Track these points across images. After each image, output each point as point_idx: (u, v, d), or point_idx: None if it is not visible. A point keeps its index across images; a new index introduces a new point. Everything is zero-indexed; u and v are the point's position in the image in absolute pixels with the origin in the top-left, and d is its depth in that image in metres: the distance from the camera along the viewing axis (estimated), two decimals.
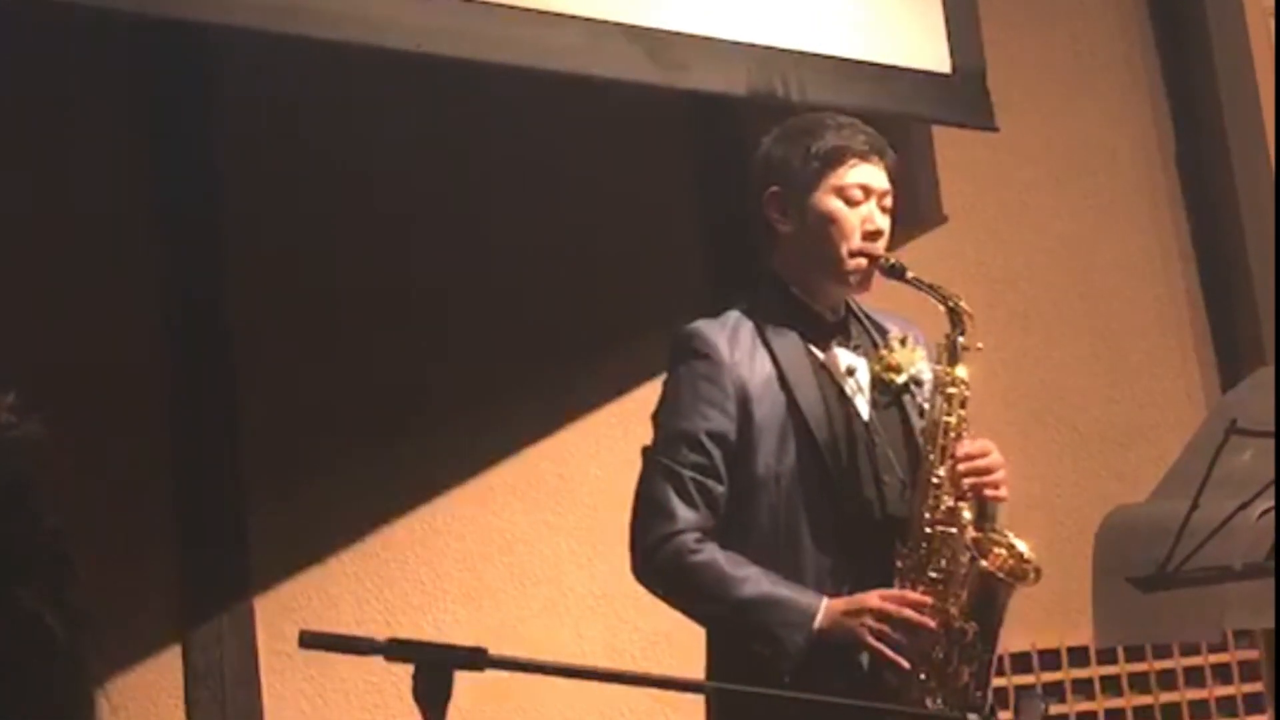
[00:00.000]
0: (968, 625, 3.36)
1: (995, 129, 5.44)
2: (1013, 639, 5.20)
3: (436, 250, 4.95)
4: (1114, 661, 5.47)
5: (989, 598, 3.39)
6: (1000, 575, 3.37)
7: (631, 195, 5.20)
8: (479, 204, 5.01)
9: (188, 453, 4.63)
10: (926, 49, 5.29)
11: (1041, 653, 5.39)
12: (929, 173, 5.58)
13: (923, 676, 3.34)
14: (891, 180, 3.58)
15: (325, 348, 4.81)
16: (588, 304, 5.10)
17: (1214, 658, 5.59)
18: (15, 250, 4.43)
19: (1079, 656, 5.44)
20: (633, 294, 5.12)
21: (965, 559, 3.38)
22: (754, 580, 3.34)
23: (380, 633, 2.52)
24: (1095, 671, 5.46)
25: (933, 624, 3.33)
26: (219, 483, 4.66)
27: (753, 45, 4.85)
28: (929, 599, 3.35)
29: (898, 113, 5.20)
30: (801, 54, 4.96)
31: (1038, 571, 3.39)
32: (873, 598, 3.33)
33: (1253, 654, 5.54)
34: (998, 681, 5.14)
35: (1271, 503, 3.32)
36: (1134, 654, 5.49)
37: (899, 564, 3.40)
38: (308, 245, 4.81)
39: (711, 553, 3.38)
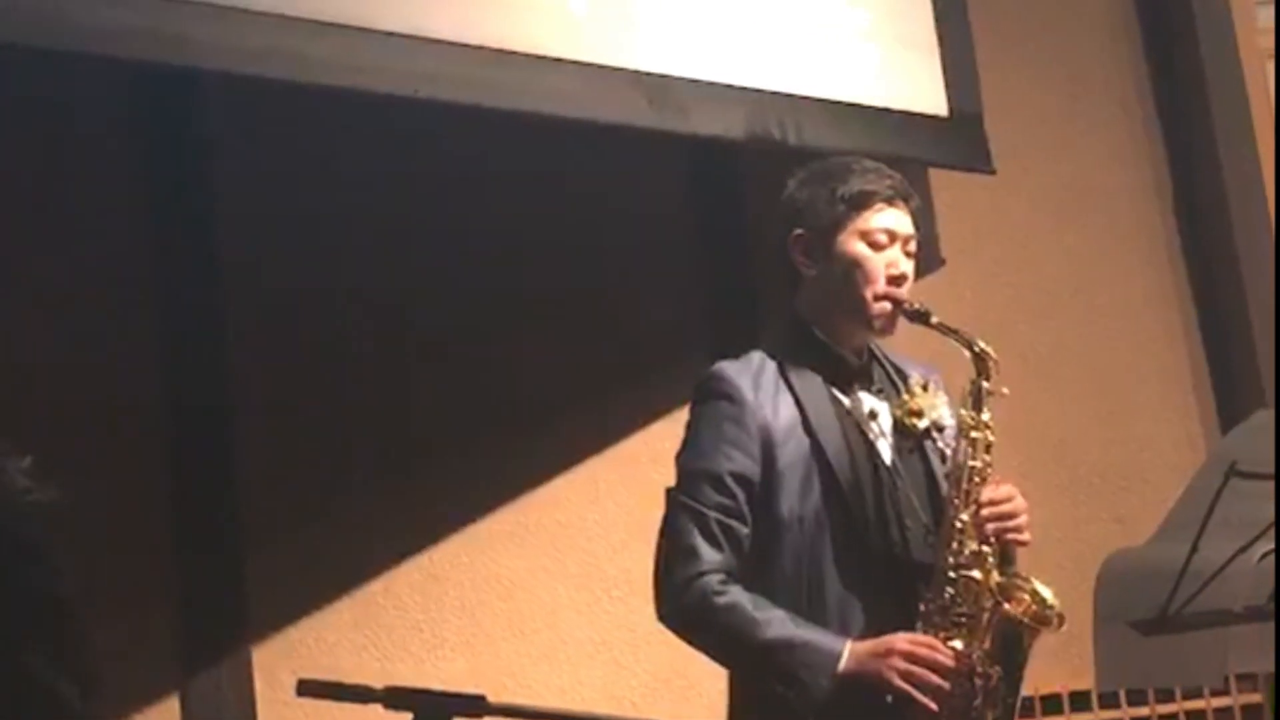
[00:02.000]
0: (991, 670, 3.37)
1: (992, 171, 5.45)
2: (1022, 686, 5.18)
3: (436, 295, 4.95)
4: (1116, 705, 5.45)
5: (1013, 642, 3.40)
6: (1024, 620, 3.37)
7: (632, 240, 5.21)
8: (479, 249, 5.01)
9: (185, 501, 4.62)
10: (924, 92, 5.30)
11: (1044, 698, 5.37)
12: (927, 216, 5.57)
13: None
14: (915, 225, 3.59)
15: (323, 393, 4.80)
16: (587, 349, 5.09)
17: (1216, 701, 5.57)
18: (11, 298, 4.42)
19: (1081, 701, 5.42)
20: (633, 339, 5.11)
21: (989, 603, 3.38)
22: (778, 622, 3.34)
23: (378, 680, 2.51)
24: (1098, 716, 5.44)
25: (959, 667, 3.33)
26: (216, 531, 4.65)
27: (750, 89, 4.87)
28: (955, 643, 3.35)
29: (895, 155, 5.18)
30: (799, 98, 4.97)
31: (1061, 617, 3.40)
32: (900, 640, 3.33)
33: (1255, 697, 5.51)
34: None
35: (1272, 545, 3.31)
36: (1136, 698, 5.47)
37: (923, 608, 3.40)
38: (307, 286, 4.81)
39: (736, 595, 3.38)
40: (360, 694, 2.47)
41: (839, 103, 5.08)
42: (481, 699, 2.41)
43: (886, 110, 5.20)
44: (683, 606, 3.42)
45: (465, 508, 4.93)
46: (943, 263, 5.60)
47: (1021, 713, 5.26)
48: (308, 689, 2.47)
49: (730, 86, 4.83)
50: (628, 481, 4.98)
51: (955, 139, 5.40)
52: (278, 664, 4.61)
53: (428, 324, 4.95)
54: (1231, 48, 6.07)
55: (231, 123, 4.76)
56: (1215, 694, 5.55)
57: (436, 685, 2.49)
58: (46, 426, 4.20)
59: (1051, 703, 5.39)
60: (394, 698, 2.44)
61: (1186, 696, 5.55)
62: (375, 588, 4.81)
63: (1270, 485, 3.28)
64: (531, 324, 5.05)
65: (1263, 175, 5.99)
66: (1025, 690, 5.23)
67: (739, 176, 5.30)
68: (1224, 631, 3.45)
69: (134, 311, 4.65)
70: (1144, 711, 5.48)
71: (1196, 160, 6.12)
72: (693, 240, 5.34)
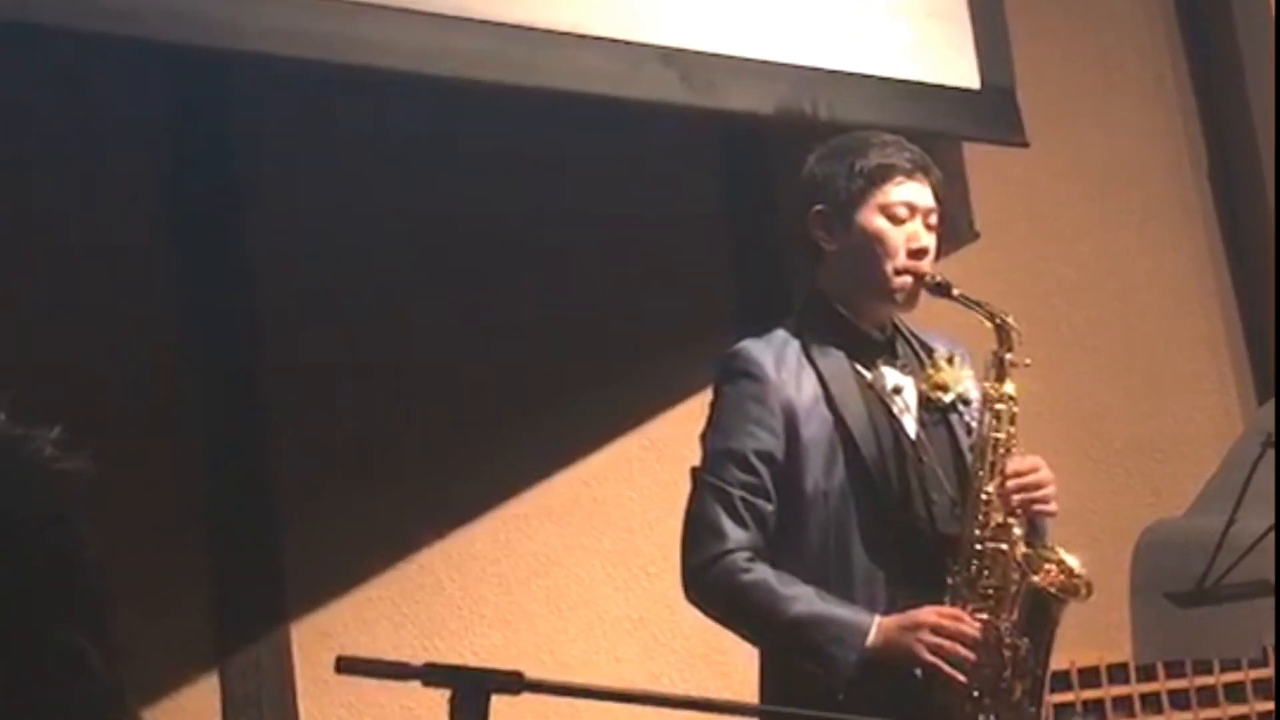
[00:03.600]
0: (1020, 641, 3.37)
1: (1026, 145, 5.43)
2: (1052, 656, 5.18)
3: (470, 274, 4.95)
4: (1154, 678, 5.45)
5: (1041, 613, 3.39)
6: (1051, 591, 3.37)
7: (662, 218, 5.20)
8: (511, 228, 5.01)
9: (222, 480, 4.64)
10: (956, 66, 5.28)
11: (1081, 670, 5.37)
12: (960, 189, 5.57)
13: (976, 693, 3.34)
14: (937, 198, 3.58)
15: (359, 373, 4.81)
16: (621, 326, 5.10)
17: (1255, 673, 5.56)
18: (48, 278, 4.44)
19: (1119, 674, 5.41)
20: (665, 316, 5.11)
21: (1016, 575, 3.38)
22: (805, 599, 3.35)
23: (416, 658, 2.53)
24: (1135, 689, 5.43)
25: (986, 639, 3.33)
26: (254, 510, 4.66)
27: (782, 65, 4.86)
28: (983, 615, 3.35)
29: (928, 130, 5.18)
30: (830, 73, 4.96)
31: (1089, 587, 3.39)
32: (929, 613, 3.33)
33: None
34: None
35: None
36: (1174, 670, 5.46)
37: (950, 581, 3.40)
38: (341, 268, 4.82)
39: (762, 572, 3.38)
40: (398, 671, 2.48)
41: (871, 77, 5.06)
42: (519, 675, 2.42)
43: (918, 84, 5.18)
44: (709, 585, 3.43)
45: (502, 486, 4.94)
46: (977, 236, 5.59)
47: (1059, 686, 5.31)
48: (346, 666, 2.48)
49: (762, 62, 4.82)
50: (664, 459, 4.98)
51: (988, 112, 5.38)
52: (316, 642, 4.62)
53: (464, 304, 4.95)
54: (1266, 19, 6.04)
55: (261, 91, 4.77)
56: (1253, 665, 5.54)
57: (474, 662, 2.50)
58: (79, 403, 4.22)
59: (1089, 676, 5.39)
60: (432, 674, 2.44)
61: (1225, 669, 5.54)
62: (413, 566, 4.82)
63: None
64: (566, 303, 5.06)
65: None
66: (1062, 663, 5.28)
67: (768, 152, 5.29)
68: (1261, 603, 3.45)
69: (168, 287, 4.66)
70: (1182, 684, 5.48)
71: (1231, 132, 6.10)
72: (722, 218, 5.34)
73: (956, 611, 3.35)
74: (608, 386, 5.08)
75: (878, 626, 3.32)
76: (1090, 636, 5.12)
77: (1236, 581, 3.33)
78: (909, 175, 3.56)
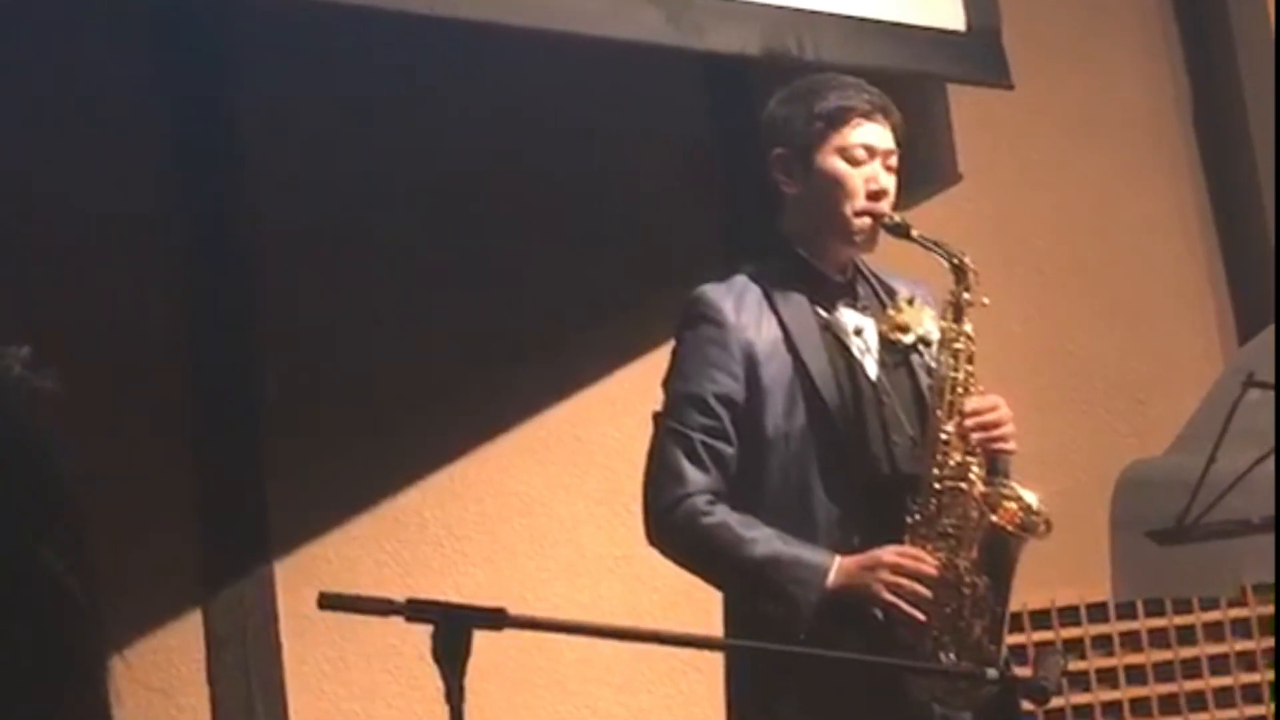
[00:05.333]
0: (979, 579, 3.37)
1: (1011, 86, 5.42)
2: (1032, 595, 5.20)
3: (457, 217, 4.95)
4: (1134, 617, 5.47)
5: (999, 552, 3.40)
6: (1010, 529, 3.38)
7: (650, 158, 5.20)
8: (497, 166, 5.00)
9: (207, 419, 4.65)
10: (941, 6, 5.27)
11: (1061, 609, 5.39)
12: (944, 131, 5.57)
13: (935, 632, 3.35)
14: (897, 140, 3.58)
15: (344, 313, 4.81)
16: (605, 266, 5.10)
17: (1234, 612, 5.58)
18: (33, 212, 4.43)
19: (1098, 612, 5.43)
20: (650, 256, 5.11)
21: (975, 514, 3.39)
22: (765, 540, 3.36)
23: (399, 595, 2.53)
24: (1115, 628, 5.45)
25: (945, 577, 3.34)
26: (238, 448, 4.67)
27: (768, 6, 4.85)
28: (942, 554, 3.36)
29: (912, 71, 5.19)
30: (816, 14, 4.95)
31: (1048, 523, 3.39)
32: (888, 553, 3.35)
33: (1272, 609, 5.53)
34: (1017, 638, 5.16)
35: None
36: (1153, 609, 5.48)
37: (910, 520, 3.40)
38: (333, 211, 4.82)
39: (723, 514, 3.39)
40: (382, 606, 2.49)
41: (856, 18, 5.05)
42: (502, 611, 2.43)
43: (905, 25, 5.17)
44: (671, 529, 3.44)
45: (485, 424, 4.95)
46: (960, 178, 5.59)
47: (1040, 624, 5.33)
48: (329, 602, 2.49)
49: (748, 3, 4.81)
50: (648, 398, 4.94)
51: (973, 54, 5.37)
52: (299, 579, 4.64)
53: (446, 244, 4.95)
54: None
55: (256, 32, 4.76)
56: (1232, 605, 5.57)
57: (457, 600, 2.51)
58: (68, 343, 4.21)
59: (1069, 614, 5.41)
60: (415, 610, 2.45)
61: (1204, 608, 5.57)
62: (396, 504, 4.83)
63: None
64: (552, 244, 5.05)
65: None
66: (1042, 602, 5.30)
67: (754, 94, 5.28)
68: (1241, 542, 3.47)
69: (158, 223, 4.66)
70: (1161, 623, 5.50)
71: (1217, 75, 6.09)
72: (709, 159, 5.33)
73: (916, 551, 3.36)
74: (593, 326, 5.08)
75: (838, 567, 3.34)
76: (1069, 575, 5.15)
77: (1216, 520, 3.34)
78: (867, 117, 3.55)
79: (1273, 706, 5.32)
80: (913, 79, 5.22)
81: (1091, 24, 5.98)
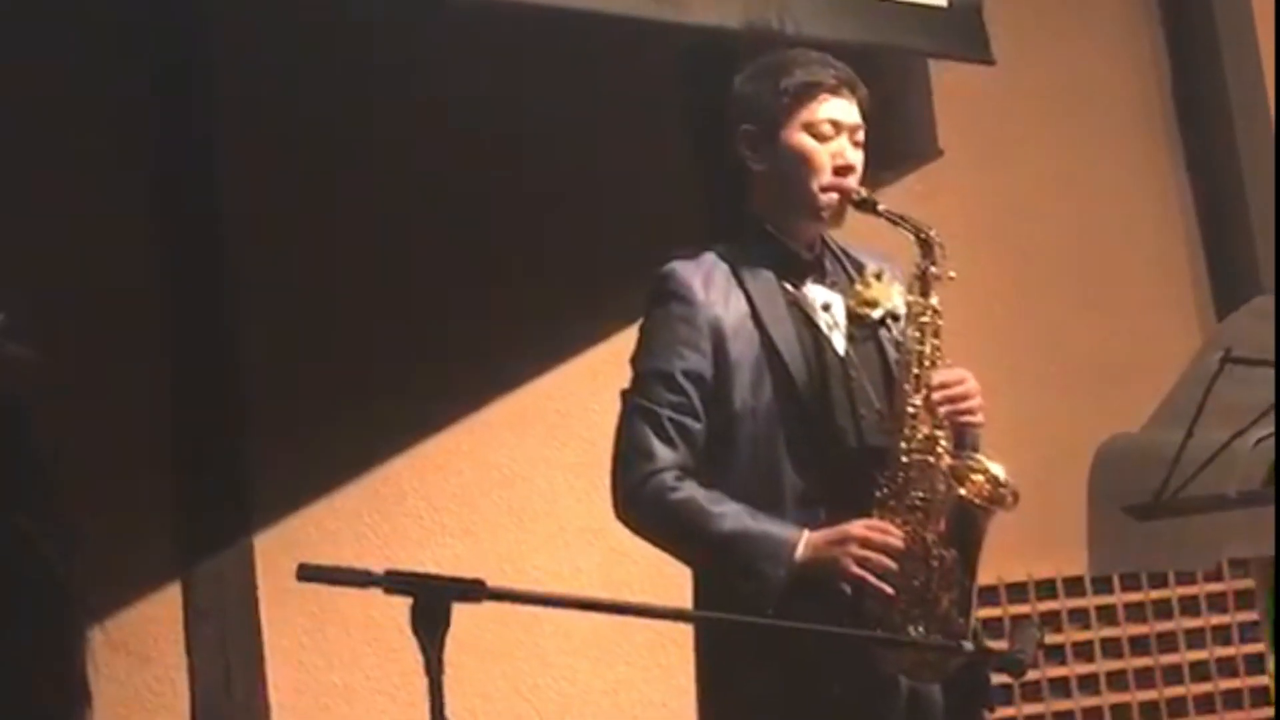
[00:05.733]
0: (947, 552, 3.38)
1: (992, 62, 5.42)
2: (1009, 569, 5.22)
3: (435, 188, 4.95)
4: (1110, 591, 5.49)
5: (967, 524, 3.40)
6: (977, 502, 3.39)
7: (630, 133, 5.19)
8: (476, 140, 5.00)
9: (186, 389, 4.64)
10: None
11: (1038, 583, 5.41)
12: (925, 106, 5.57)
13: (904, 605, 3.36)
14: (864, 114, 3.57)
15: (325, 283, 4.81)
16: (585, 241, 5.09)
17: (1210, 586, 5.62)
18: (10, 176, 4.41)
19: (1075, 586, 5.46)
20: (630, 230, 5.11)
21: (943, 487, 3.39)
22: (733, 516, 3.36)
23: (379, 567, 2.53)
24: (1091, 601, 5.48)
25: (912, 550, 3.35)
26: (218, 420, 4.66)
27: None
28: (909, 527, 3.37)
29: (893, 46, 5.19)
30: None
31: (1015, 496, 3.39)
32: (856, 526, 3.35)
33: (1248, 582, 5.55)
34: (993, 611, 5.19)
35: (1267, 430, 3.33)
36: (1130, 583, 5.51)
37: (878, 494, 3.41)
38: (308, 173, 4.81)
39: (691, 490, 3.40)
40: (361, 578, 2.49)
41: None
42: (480, 584, 2.43)
43: (885, 0, 5.17)
44: (640, 505, 3.45)
45: (465, 397, 4.95)
46: (941, 153, 5.59)
47: (1016, 598, 5.35)
48: (308, 574, 2.49)
49: None
50: (627, 371, 4.98)
51: (954, 29, 5.36)
52: (279, 552, 4.64)
53: (427, 217, 4.95)
54: None
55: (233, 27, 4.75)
56: (1209, 579, 5.59)
57: (436, 572, 2.51)
58: (46, 312, 4.20)
59: (1046, 588, 5.43)
60: (394, 582, 2.45)
61: (1180, 582, 5.59)
62: (376, 476, 4.83)
63: (1266, 371, 3.29)
64: (531, 217, 5.05)
65: (1262, 65, 5.97)
66: (1019, 575, 5.32)
67: (733, 69, 5.28)
68: (1218, 516, 3.48)
69: (134, 187, 4.65)
70: (1137, 597, 5.52)
71: (1197, 52, 6.10)
72: (687, 134, 5.32)
73: (883, 524, 3.36)
74: (571, 300, 5.08)
75: (806, 541, 3.34)
76: (1046, 549, 5.17)
77: (1194, 494, 3.35)
78: (834, 92, 3.54)
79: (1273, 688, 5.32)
80: (894, 54, 5.23)
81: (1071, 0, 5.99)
